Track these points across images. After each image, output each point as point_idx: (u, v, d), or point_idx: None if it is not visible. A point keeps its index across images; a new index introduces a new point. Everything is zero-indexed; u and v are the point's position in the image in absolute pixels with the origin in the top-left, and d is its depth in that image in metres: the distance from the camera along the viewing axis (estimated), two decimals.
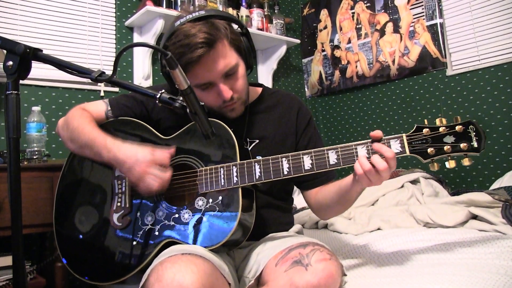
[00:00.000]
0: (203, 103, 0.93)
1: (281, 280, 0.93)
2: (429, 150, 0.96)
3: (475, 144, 0.94)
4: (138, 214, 1.12)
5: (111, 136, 1.10)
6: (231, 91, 1.13)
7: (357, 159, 0.98)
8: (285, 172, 1.03)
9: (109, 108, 1.25)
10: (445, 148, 0.95)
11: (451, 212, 1.48)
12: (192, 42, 1.04)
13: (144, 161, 1.02)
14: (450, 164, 0.96)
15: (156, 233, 1.08)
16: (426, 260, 1.15)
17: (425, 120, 0.99)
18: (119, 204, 1.15)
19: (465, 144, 0.94)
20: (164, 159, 1.04)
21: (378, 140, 0.98)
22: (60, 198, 1.23)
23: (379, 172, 0.94)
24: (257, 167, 1.05)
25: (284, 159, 1.04)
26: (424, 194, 1.86)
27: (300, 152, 1.04)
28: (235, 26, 1.18)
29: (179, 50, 1.05)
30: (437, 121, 0.98)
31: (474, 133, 0.94)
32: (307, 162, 1.02)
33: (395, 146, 0.97)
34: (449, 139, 0.96)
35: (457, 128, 0.95)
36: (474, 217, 1.44)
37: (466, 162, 0.95)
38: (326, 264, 0.93)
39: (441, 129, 0.96)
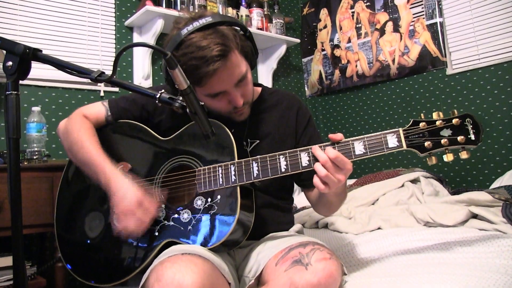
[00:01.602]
0: (203, 103, 0.93)
1: (281, 279, 0.93)
2: (426, 143, 0.95)
3: (472, 137, 0.94)
4: None
5: (110, 161, 1.10)
6: (242, 98, 1.13)
7: (353, 154, 0.99)
8: (283, 170, 1.03)
9: (109, 113, 1.25)
10: (442, 141, 0.95)
11: (451, 211, 1.47)
12: (207, 55, 1.02)
13: (130, 201, 1.02)
14: (448, 157, 0.96)
15: (156, 233, 1.08)
16: (426, 259, 1.15)
17: (422, 114, 0.99)
18: None
19: (462, 137, 0.94)
20: (150, 206, 1.04)
21: (337, 142, 0.99)
22: (61, 202, 1.23)
23: (332, 173, 0.96)
24: (254, 165, 1.05)
25: (281, 156, 1.04)
26: (424, 193, 1.86)
27: (297, 149, 1.04)
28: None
29: (192, 63, 1.03)
30: (434, 115, 0.97)
31: (471, 126, 0.94)
32: (304, 158, 1.02)
33: (392, 140, 0.97)
34: (446, 132, 0.95)
35: (454, 121, 0.95)
36: (474, 216, 1.44)
37: (463, 155, 0.95)
38: (326, 264, 0.93)
39: (438, 123, 0.96)
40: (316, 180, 0.98)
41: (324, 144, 1.02)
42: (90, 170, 1.11)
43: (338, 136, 1.00)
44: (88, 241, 1.16)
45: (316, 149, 0.99)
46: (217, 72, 1.05)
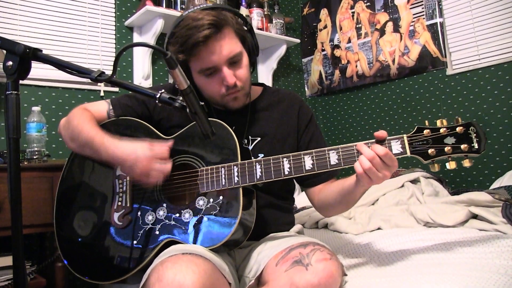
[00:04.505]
0: (203, 103, 0.93)
1: (282, 280, 0.93)
2: (430, 151, 0.96)
3: (476, 146, 0.94)
4: (139, 213, 1.12)
5: (109, 134, 1.10)
6: (234, 78, 1.14)
7: (357, 158, 0.98)
8: (286, 172, 1.03)
9: (111, 107, 1.25)
10: (446, 149, 0.95)
11: (451, 212, 1.47)
12: (199, 24, 1.06)
13: (145, 157, 1.02)
14: (451, 165, 0.96)
15: (157, 232, 1.08)
16: (426, 260, 1.15)
17: (426, 121, 0.99)
18: (119, 203, 1.15)
19: (465, 145, 0.94)
20: (163, 152, 1.05)
21: (382, 140, 0.98)
22: (61, 199, 1.23)
23: (378, 169, 0.94)
24: (258, 167, 1.05)
25: (285, 159, 1.04)
26: (424, 193, 1.86)
27: (301, 152, 1.04)
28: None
29: (186, 33, 1.07)
30: (438, 122, 0.98)
31: (474, 135, 0.95)
32: (308, 162, 1.02)
33: (396, 146, 0.97)
34: (450, 140, 0.96)
35: (458, 129, 0.95)
36: (474, 216, 1.44)
37: (466, 163, 0.95)
38: (327, 264, 0.93)
39: (441, 130, 0.96)
40: (360, 170, 0.96)
41: (331, 147, 1.02)
42: (92, 148, 1.11)
43: (383, 134, 0.98)
44: (86, 236, 1.16)
45: (361, 145, 0.98)
46: (208, 41, 1.08)
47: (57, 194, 1.24)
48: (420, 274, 1.03)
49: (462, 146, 0.94)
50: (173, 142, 1.10)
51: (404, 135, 0.98)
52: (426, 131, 0.97)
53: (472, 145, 0.94)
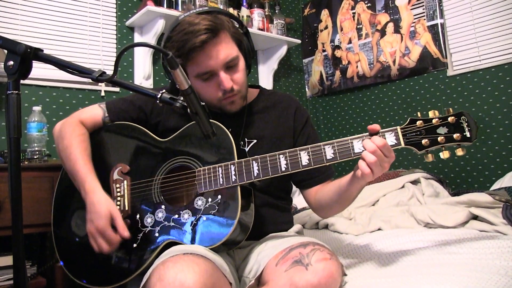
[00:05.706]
0: (203, 103, 0.93)
1: (282, 280, 0.93)
2: (423, 141, 0.98)
3: (468, 134, 0.96)
4: (138, 216, 1.12)
5: (94, 173, 1.12)
6: (231, 82, 1.14)
7: (352, 152, 0.99)
8: (283, 169, 1.04)
9: (106, 114, 1.25)
10: (439, 139, 0.97)
11: (451, 213, 1.47)
12: (196, 29, 1.07)
13: (103, 220, 1.04)
14: (444, 155, 0.98)
15: (156, 234, 1.08)
16: (426, 260, 1.15)
17: (418, 113, 1.01)
18: (118, 207, 1.15)
19: (458, 134, 0.96)
20: (112, 237, 1.05)
21: (376, 133, 0.98)
22: (59, 201, 1.23)
23: (380, 162, 0.95)
24: (255, 164, 1.05)
25: (281, 155, 1.04)
26: (424, 194, 1.86)
27: (297, 148, 1.04)
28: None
29: (183, 38, 1.08)
30: (430, 113, 1.00)
31: (466, 124, 0.97)
32: (304, 157, 1.02)
33: (390, 138, 0.98)
34: (442, 130, 0.98)
35: (450, 119, 0.98)
36: (475, 217, 1.44)
37: (459, 152, 0.97)
38: (326, 264, 0.93)
39: (434, 121, 0.98)
40: (362, 165, 0.97)
41: (326, 142, 1.02)
42: (75, 180, 1.13)
43: (376, 127, 0.99)
44: (84, 240, 1.14)
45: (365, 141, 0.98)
46: (204, 46, 1.08)
47: (55, 197, 1.24)
48: (420, 275, 1.03)
49: (455, 135, 0.96)
50: (129, 237, 1.08)
51: (398, 127, 0.99)
52: (419, 122, 0.99)
53: (464, 134, 0.96)
